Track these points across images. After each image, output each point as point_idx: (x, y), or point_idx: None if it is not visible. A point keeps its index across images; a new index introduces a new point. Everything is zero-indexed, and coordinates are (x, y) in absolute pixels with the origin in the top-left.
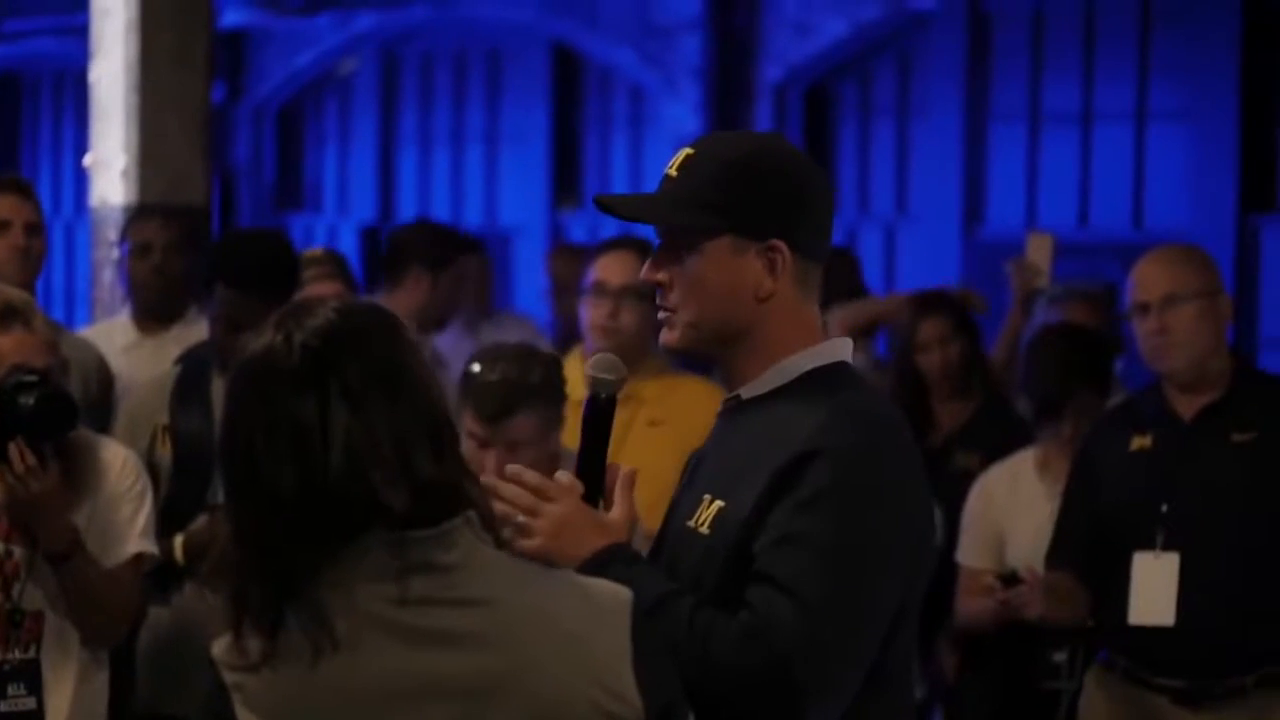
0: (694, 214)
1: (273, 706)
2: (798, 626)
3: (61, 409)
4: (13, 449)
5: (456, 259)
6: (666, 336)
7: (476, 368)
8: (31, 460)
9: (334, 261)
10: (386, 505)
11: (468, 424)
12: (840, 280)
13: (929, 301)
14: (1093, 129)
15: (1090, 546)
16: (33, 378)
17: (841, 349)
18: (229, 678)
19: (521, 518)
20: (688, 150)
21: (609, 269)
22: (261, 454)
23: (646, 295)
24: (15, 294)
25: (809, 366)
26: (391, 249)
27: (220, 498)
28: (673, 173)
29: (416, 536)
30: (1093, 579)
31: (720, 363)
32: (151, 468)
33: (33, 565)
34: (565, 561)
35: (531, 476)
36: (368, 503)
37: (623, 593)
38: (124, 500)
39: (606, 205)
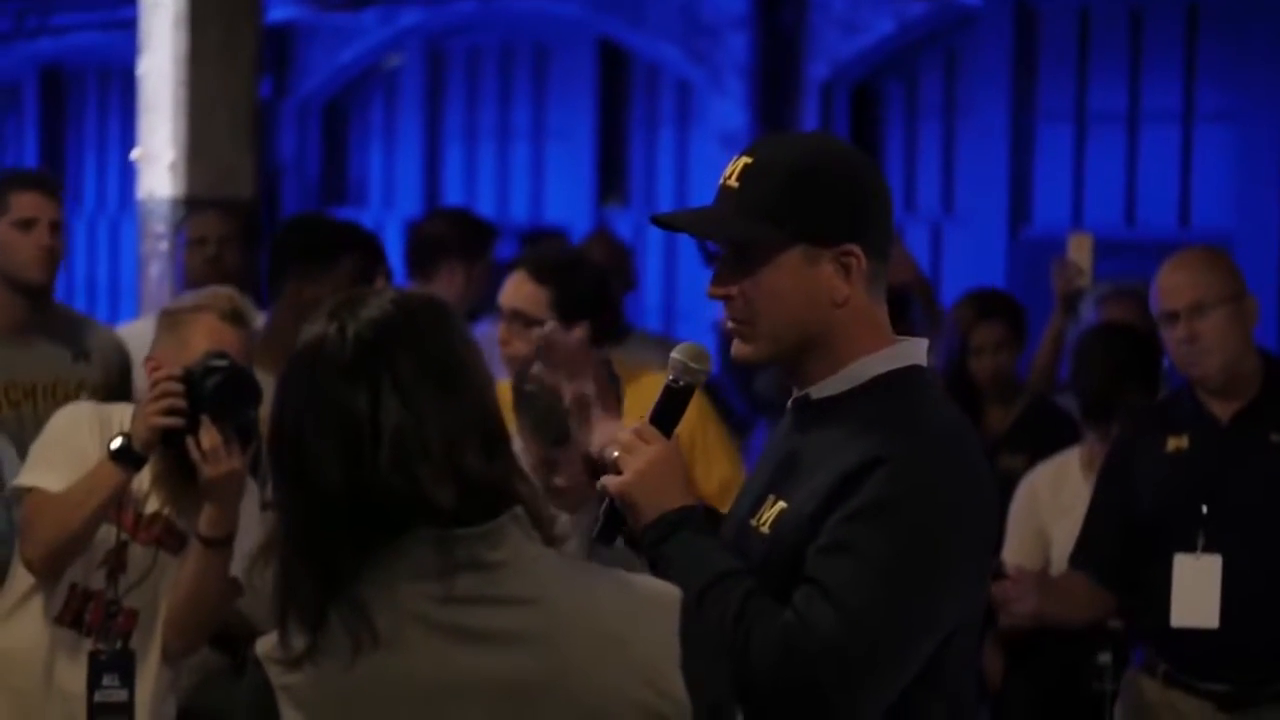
0: (765, 227)
1: (317, 704)
2: (835, 635)
3: (243, 390)
4: (202, 430)
5: (489, 249)
6: (742, 350)
7: (530, 389)
8: (216, 439)
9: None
10: (433, 502)
11: (529, 444)
12: None
13: (988, 305)
14: (1139, 129)
15: (1120, 549)
16: (222, 362)
17: (915, 351)
18: (274, 677)
19: (617, 454)
20: (745, 159)
21: (503, 290)
22: (310, 445)
23: (533, 321)
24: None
25: (881, 370)
26: (422, 241)
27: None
28: (733, 183)
29: (463, 534)
30: (1120, 581)
31: (790, 367)
32: None
33: (152, 564)
34: (644, 507)
35: (639, 422)
36: (414, 499)
37: (671, 590)
38: (250, 524)
39: (668, 222)
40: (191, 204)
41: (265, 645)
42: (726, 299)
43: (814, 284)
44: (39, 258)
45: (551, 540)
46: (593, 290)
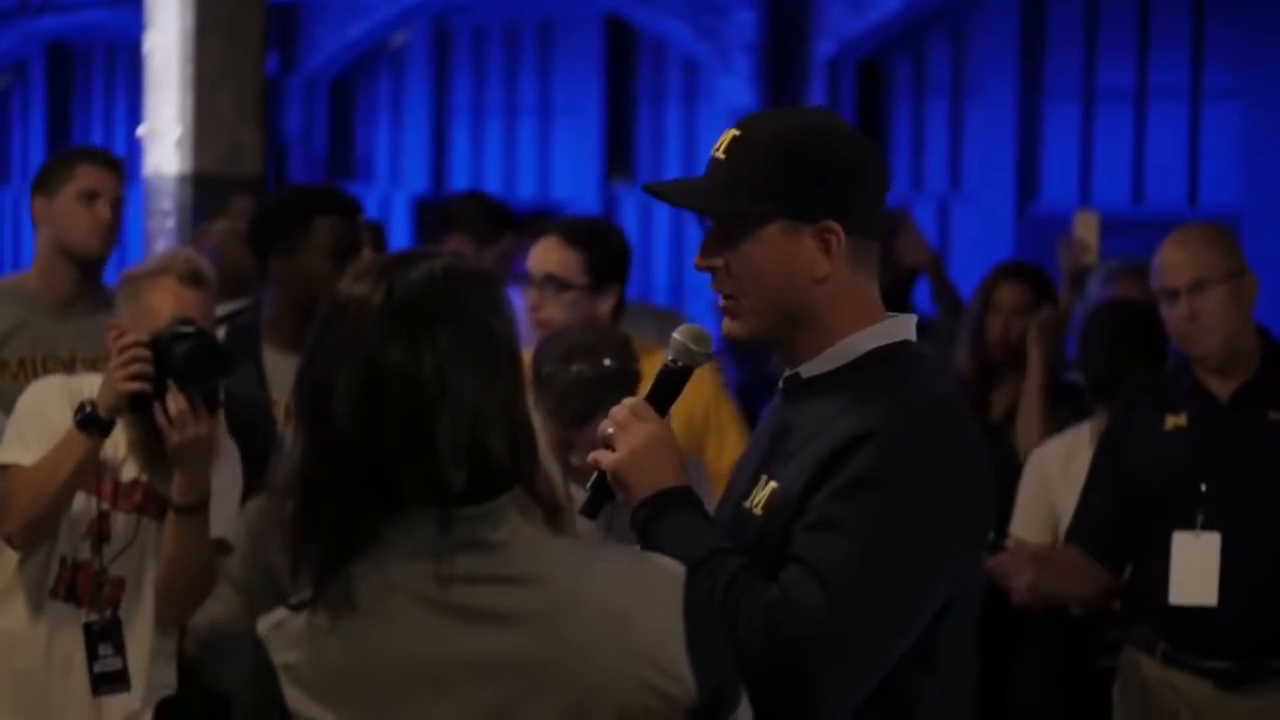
0: (744, 200)
1: (319, 683)
2: (821, 613)
3: (211, 357)
4: (170, 396)
5: (502, 235)
6: (730, 327)
7: (548, 369)
8: (183, 405)
9: (373, 231)
10: (445, 481)
11: (547, 424)
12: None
13: (1015, 269)
14: (1147, 106)
15: (1116, 526)
16: (188, 328)
17: (904, 327)
18: (276, 657)
19: (611, 430)
20: (734, 132)
21: (531, 257)
22: (338, 395)
23: (568, 285)
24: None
25: (870, 346)
26: (439, 214)
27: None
28: (720, 156)
29: (464, 514)
30: (1116, 559)
31: (780, 344)
32: None
33: (135, 531)
34: (637, 485)
35: (634, 400)
36: (427, 473)
37: (675, 568)
38: (230, 485)
39: (656, 192)
40: (199, 181)
41: (266, 625)
42: (711, 270)
43: (793, 259)
44: (96, 230)
45: (554, 519)
46: (621, 255)
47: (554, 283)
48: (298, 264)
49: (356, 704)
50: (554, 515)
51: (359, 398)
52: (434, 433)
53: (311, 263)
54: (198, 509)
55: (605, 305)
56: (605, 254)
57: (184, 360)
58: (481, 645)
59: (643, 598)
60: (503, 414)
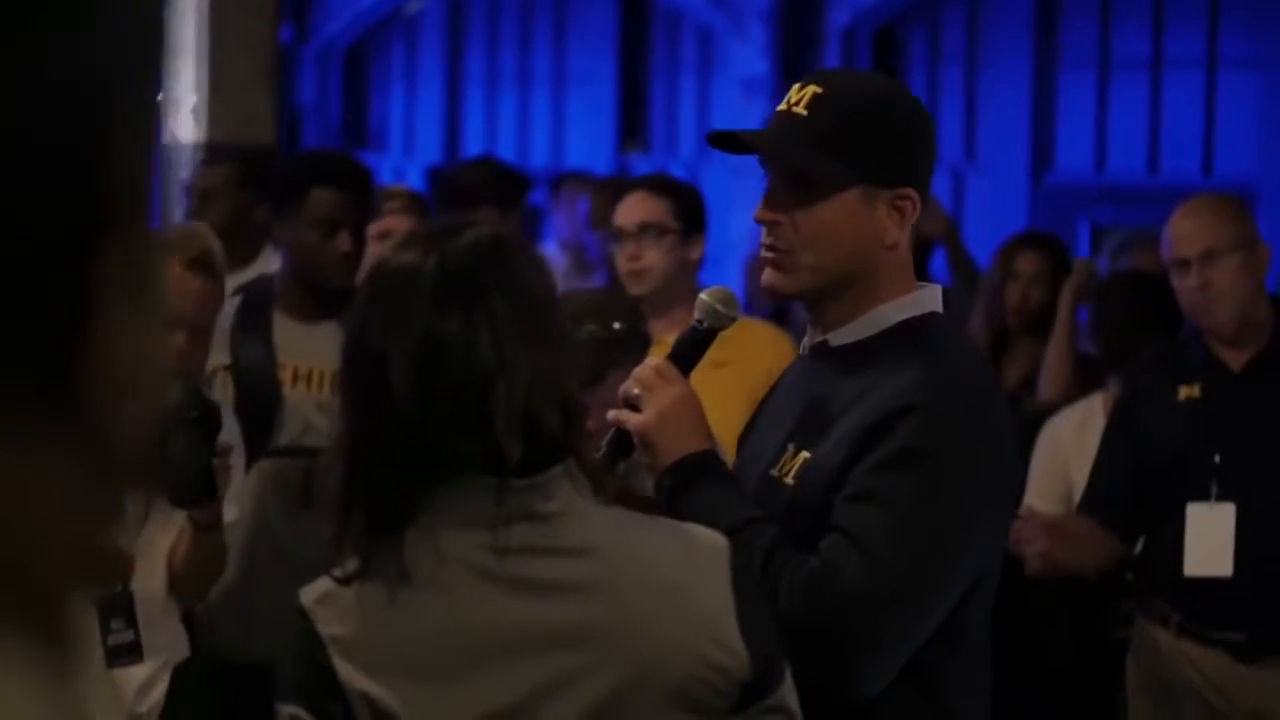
0: (830, 159)
1: (373, 656)
2: (862, 583)
3: (204, 446)
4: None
5: (523, 198)
6: (776, 279)
7: None
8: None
9: (413, 199)
10: (503, 454)
11: None
12: None
13: (1034, 238)
14: (1162, 76)
15: (1129, 497)
16: (195, 411)
17: (932, 299)
18: (324, 629)
19: (636, 390)
20: (814, 88)
21: (622, 212)
22: (394, 367)
23: (666, 230)
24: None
25: (901, 317)
26: (458, 187)
27: (281, 441)
28: (801, 111)
29: (519, 485)
30: (1129, 530)
31: (816, 306)
32: None
33: (145, 508)
34: (664, 448)
35: (659, 360)
36: (484, 442)
37: (719, 539)
38: (233, 468)
39: (732, 138)
40: (210, 149)
41: (311, 597)
42: (774, 225)
43: (867, 224)
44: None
45: (601, 486)
46: (703, 206)
47: (652, 229)
48: (292, 232)
49: (412, 676)
50: (600, 486)
51: (416, 369)
52: (490, 404)
53: (302, 233)
54: (217, 525)
55: (696, 252)
56: (691, 203)
57: (175, 467)
58: (539, 617)
59: (695, 571)
60: (555, 384)
